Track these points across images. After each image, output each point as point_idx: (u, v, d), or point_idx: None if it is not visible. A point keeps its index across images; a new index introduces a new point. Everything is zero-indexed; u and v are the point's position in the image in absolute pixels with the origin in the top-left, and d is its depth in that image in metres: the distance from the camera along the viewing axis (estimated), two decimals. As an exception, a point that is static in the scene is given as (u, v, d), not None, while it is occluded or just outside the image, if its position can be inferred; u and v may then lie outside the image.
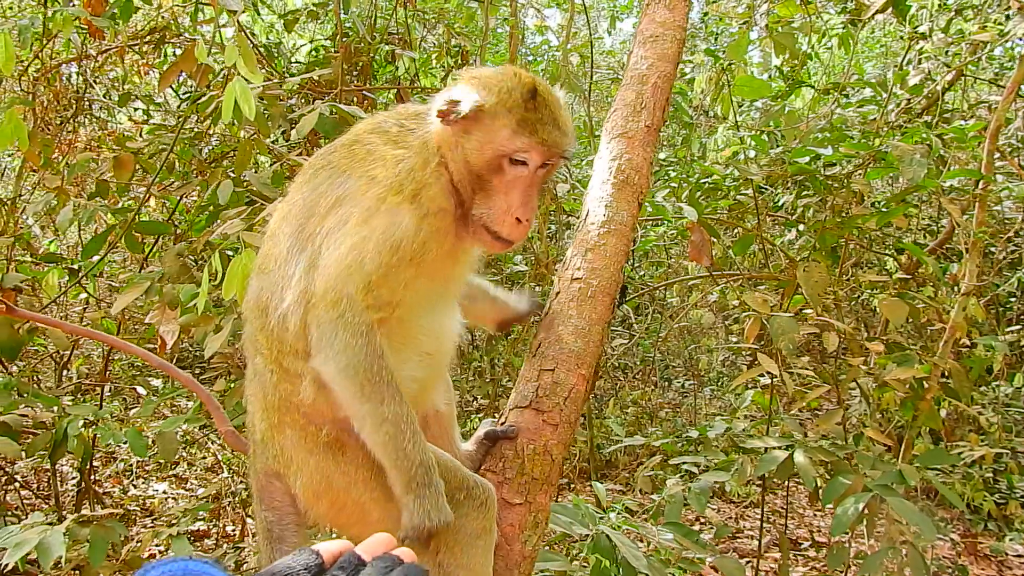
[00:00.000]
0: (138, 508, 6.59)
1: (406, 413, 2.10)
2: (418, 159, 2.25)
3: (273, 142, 5.50)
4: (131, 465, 7.32)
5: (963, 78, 7.09)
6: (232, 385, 5.00)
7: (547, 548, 4.21)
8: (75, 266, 5.40)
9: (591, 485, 4.32)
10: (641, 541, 3.92)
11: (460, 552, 2.15)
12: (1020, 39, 6.20)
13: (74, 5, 5.64)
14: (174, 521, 5.59)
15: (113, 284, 7.52)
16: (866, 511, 3.71)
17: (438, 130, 2.28)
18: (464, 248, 2.39)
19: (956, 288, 5.03)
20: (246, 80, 3.58)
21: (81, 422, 4.41)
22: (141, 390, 7.35)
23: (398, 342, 2.26)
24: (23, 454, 4.39)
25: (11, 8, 7.81)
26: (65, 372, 6.57)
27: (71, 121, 7.23)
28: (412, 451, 2.09)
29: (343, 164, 2.31)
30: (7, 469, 5.73)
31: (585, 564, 3.34)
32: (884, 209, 5.05)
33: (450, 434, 2.70)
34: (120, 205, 5.62)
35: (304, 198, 2.32)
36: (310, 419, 2.20)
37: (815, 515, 7.64)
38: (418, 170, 2.23)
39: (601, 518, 3.48)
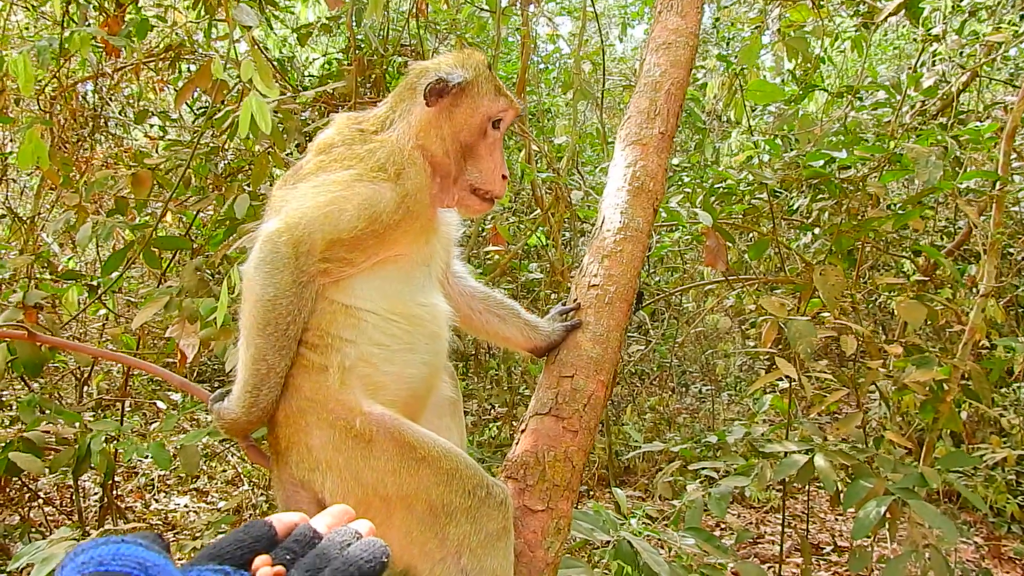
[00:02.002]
0: (160, 522, 6.62)
1: (280, 367, 2.25)
2: (394, 146, 2.42)
3: (288, 155, 5.53)
4: (152, 479, 7.36)
5: (978, 79, 7.05)
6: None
7: (569, 555, 4.21)
8: (94, 282, 5.44)
9: (610, 491, 4.31)
10: (663, 547, 3.91)
11: (483, 554, 2.17)
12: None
13: (90, 24, 5.71)
14: (198, 534, 5.62)
15: (131, 299, 7.58)
16: (888, 515, 3.69)
17: (418, 116, 2.48)
18: (437, 226, 2.55)
19: (974, 290, 5.00)
20: (262, 95, 3.62)
21: (104, 437, 4.45)
22: (161, 404, 7.39)
23: (407, 326, 2.39)
24: (47, 470, 4.42)
25: (27, 28, 7.90)
26: (85, 388, 6.62)
27: (88, 139, 7.30)
28: (261, 395, 2.24)
29: (316, 168, 2.43)
30: (30, 486, 5.77)
31: (607, 571, 3.34)
32: (900, 211, 5.03)
33: (462, 421, 2.79)
34: (137, 221, 5.65)
35: (278, 202, 2.44)
36: (338, 415, 2.23)
37: (836, 519, 7.60)
38: (396, 154, 2.40)
39: (622, 524, 3.48)
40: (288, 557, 1.06)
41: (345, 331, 2.31)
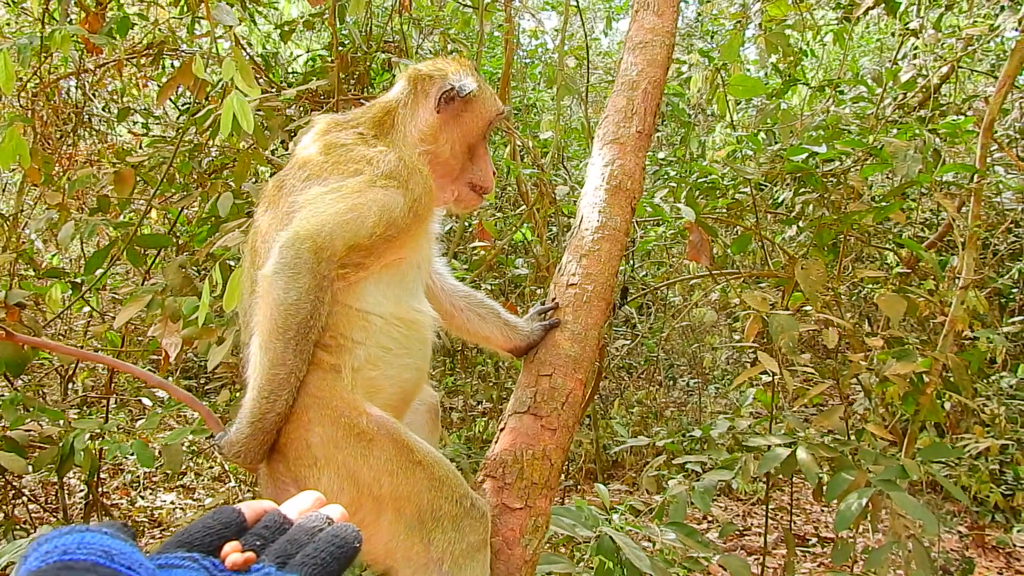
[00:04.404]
0: (146, 519, 6.61)
1: (299, 371, 2.25)
2: (402, 151, 2.48)
3: (272, 153, 5.52)
4: (138, 476, 7.35)
5: (957, 71, 7.08)
6: (236, 396, 5.01)
7: (552, 550, 4.23)
8: (78, 280, 5.42)
9: (597, 487, 4.33)
10: (648, 541, 3.93)
11: (464, 563, 2.20)
12: (1014, 30, 6.20)
13: (71, 22, 5.68)
14: (182, 532, 5.59)
15: (116, 297, 7.55)
16: (870, 506, 3.72)
17: (425, 120, 2.59)
18: (432, 228, 2.64)
19: (956, 281, 5.03)
20: (243, 94, 3.61)
21: (87, 435, 4.44)
22: (146, 401, 7.38)
23: (405, 330, 2.44)
24: (30, 468, 4.41)
25: (8, 24, 7.85)
26: (70, 385, 6.60)
27: (71, 135, 7.27)
28: (279, 402, 2.23)
29: (318, 172, 2.44)
30: (14, 483, 5.76)
31: (590, 566, 3.36)
32: (883, 204, 5.06)
33: (438, 426, 2.86)
34: (121, 218, 5.63)
35: (285, 206, 2.43)
36: (341, 412, 2.25)
37: (821, 511, 7.65)
38: (405, 160, 2.44)
39: (607, 520, 3.50)
40: (258, 543, 1.05)
41: (356, 333, 2.35)
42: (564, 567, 3.17)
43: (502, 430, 2.54)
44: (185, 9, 5.78)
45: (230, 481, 7.17)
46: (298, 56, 8.66)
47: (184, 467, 7.43)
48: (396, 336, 2.41)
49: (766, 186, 6.40)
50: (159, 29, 6.46)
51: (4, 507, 5.65)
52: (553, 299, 2.76)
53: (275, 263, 2.24)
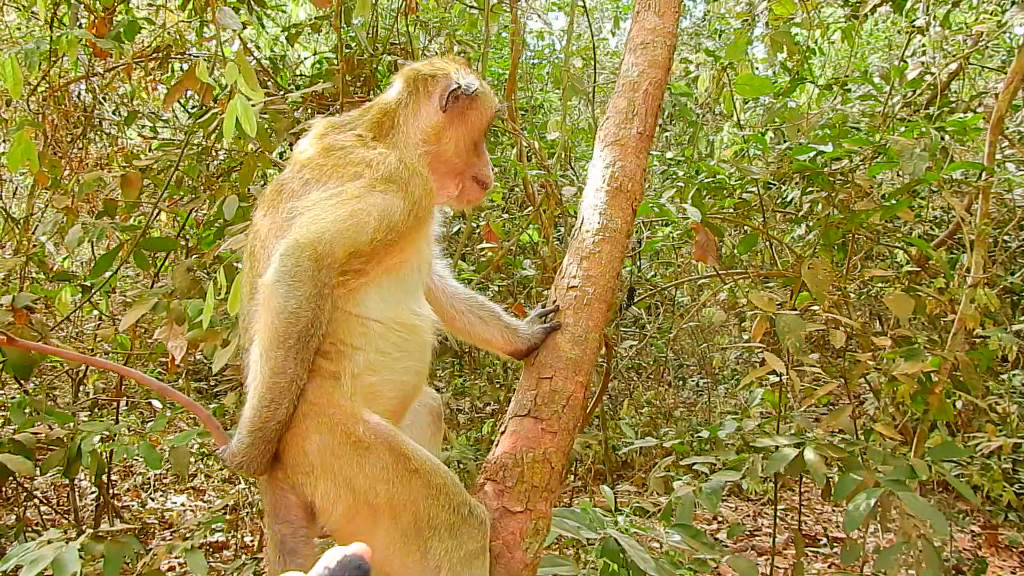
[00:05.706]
0: (157, 521, 6.63)
1: (300, 379, 2.24)
2: (402, 152, 2.49)
3: (279, 156, 5.53)
4: (149, 478, 7.38)
5: (966, 68, 7.03)
6: (244, 398, 5.01)
7: (559, 552, 4.22)
8: (88, 283, 5.45)
9: (602, 488, 4.34)
10: (656, 543, 3.92)
11: (462, 571, 2.19)
12: (1022, 26, 6.15)
13: (81, 25, 5.71)
14: (188, 535, 5.63)
15: (126, 300, 7.58)
16: (879, 506, 3.70)
17: (429, 120, 2.60)
18: (432, 230, 2.65)
19: (967, 279, 4.99)
20: (247, 97, 3.62)
21: (97, 438, 4.46)
22: (157, 404, 7.40)
23: (405, 335, 2.44)
24: (38, 471, 4.44)
25: (19, 29, 7.89)
26: (82, 388, 6.62)
27: (81, 139, 7.29)
28: (280, 410, 2.23)
29: (317, 175, 2.43)
30: (26, 486, 5.79)
31: (595, 568, 3.35)
32: (891, 202, 5.03)
33: (441, 429, 2.85)
34: (130, 221, 5.65)
35: (284, 211, 2.42)
36: (338, 420, 2.25)
37: (832, 511, 7.61)
38: (404, 163, 2.44)
39: (612, 521, 3.49)
40: None
41: (355, 339, 2.35)
42: (567, 570, 3.17)
43: (502, 433, 2.54)
44: (193, 13, 5.81)
45: (240, 483, 7.18)
46: (306, 58, 8.68)
47: (194, 469, 7.45)
48: (395, 341, 2.40)
49: (773, 185, 6.37)
50: (167, 32, 6.48)
51: (16, 509, 5.69)
52: (554, 302, 2.76)
53: (275, 271, 2.23)
